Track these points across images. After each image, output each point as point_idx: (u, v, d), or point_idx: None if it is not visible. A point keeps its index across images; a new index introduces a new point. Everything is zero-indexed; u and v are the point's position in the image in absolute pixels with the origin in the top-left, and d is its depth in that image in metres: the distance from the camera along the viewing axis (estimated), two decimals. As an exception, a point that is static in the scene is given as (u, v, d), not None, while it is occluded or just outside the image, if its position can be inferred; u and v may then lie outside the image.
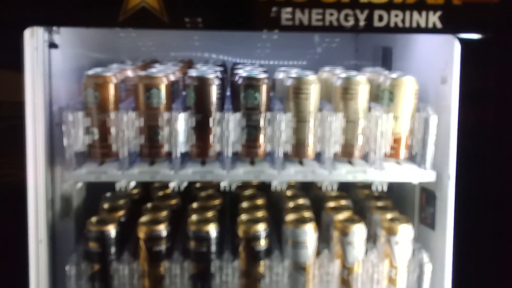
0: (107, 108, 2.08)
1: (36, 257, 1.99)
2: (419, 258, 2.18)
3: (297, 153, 2.13)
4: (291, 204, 2.31)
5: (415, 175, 2.16)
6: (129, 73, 2.35)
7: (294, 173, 2.11)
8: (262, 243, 2.10)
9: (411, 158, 2.22)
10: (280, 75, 2.43)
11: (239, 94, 2.11)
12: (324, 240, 2.23)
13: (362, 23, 1.91)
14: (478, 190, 2.02)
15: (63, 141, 2.05)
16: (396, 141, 2.18)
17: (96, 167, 2.10)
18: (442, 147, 2.11)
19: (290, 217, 2.16)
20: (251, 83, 2.09)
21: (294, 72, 2.21)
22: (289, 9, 1.88)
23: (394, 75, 2.19)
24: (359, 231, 2.13)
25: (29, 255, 1.95)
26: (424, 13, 1.92)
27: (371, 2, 1.90)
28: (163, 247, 2.11)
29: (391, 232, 2.16)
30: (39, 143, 1.96)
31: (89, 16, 1.91)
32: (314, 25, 1.90)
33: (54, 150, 2.07)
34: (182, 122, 2.07)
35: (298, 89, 2.09)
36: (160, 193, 2.51)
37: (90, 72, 2.11)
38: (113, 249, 2.11)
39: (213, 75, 2.12)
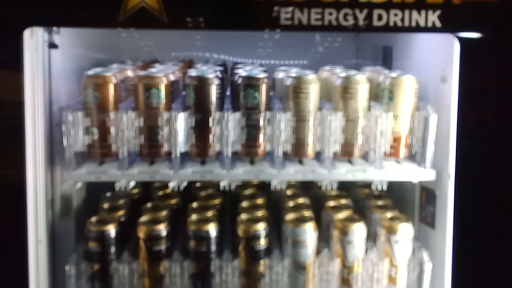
0: (107, 108, 2.08)
1: (36, 257, 1.99)
2: (419, 257, 2.18)
3: (297, 152, 2.13)
4: (291, 203, 2.31)
5: (415, 174, 2.16)
6: (129, 73, 2.35)
7: (294, 172, 2.11)
8: (262, 243, 2.10)
9: (411, 157, 2.22)
10: (279, 75, 2.43)
11: (238, 94, 2.11)
12: (324, 239, 2.23)
13: (361, 22, 1.91)
14: (478, 189, 2.02)
15: (63, 141, 2.05)
16: (396, 140, 2.18)
17: (96, 167, 2.10)
18: (442, 146, 2.11)
19: (290, 216, 2.16)
20: (251, 83, 2.09)
21: (293, 72, 2.22)
22: (288, 9, 1.88)
23: (394, 74, 2.19)
24: (359, 230, 2.13)
25: (29, 255, 1.95)
26: (423, 12, 1.91)
27: (370, 1, 1.90)
28: (163, 246, 2.11)
29: (391, 231, 2.16)
30: (39, 143, 1.96)
31: (89, 16, 1.91)
32: (313, 24, 1.89)
33: (54, 150, 2.07)
34: (181, 121, 2.07)
35: (297, 89, 2.09)
36: (160, 193, 2.51)
37: (90, 72, 2.11)
38: (113, 249, 2.12)
39: (212, 74, 2.12)
